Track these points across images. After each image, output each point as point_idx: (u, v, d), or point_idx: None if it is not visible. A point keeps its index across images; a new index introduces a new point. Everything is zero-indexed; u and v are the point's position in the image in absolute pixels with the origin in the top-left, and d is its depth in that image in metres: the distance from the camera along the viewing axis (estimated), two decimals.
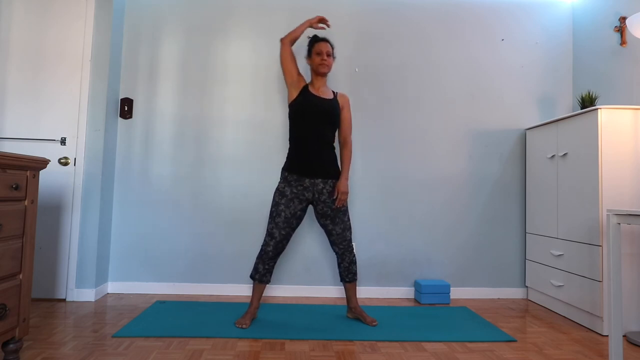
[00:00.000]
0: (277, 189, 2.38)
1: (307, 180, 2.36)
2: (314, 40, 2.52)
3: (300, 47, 3.08)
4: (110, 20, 2.84)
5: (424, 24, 3.21)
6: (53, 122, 2.77)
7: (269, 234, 2.34)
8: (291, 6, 3.14)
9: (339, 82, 3.12)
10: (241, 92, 3.09)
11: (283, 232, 2.33)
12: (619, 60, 2.79)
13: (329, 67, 2.48)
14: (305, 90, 2.45)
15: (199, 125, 3.06)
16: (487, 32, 3.23)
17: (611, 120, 2.37)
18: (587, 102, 2.70)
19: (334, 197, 2.39)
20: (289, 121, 2.48)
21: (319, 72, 2.46)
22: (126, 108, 3.00)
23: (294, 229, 2.38)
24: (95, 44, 2.82)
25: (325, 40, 2.50)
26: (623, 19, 2.75)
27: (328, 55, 2.47)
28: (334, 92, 2.56)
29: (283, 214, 2.33)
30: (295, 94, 2.46)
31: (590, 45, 3.06)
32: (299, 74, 2.50)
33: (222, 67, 3.09)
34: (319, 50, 2.46)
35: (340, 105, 2.54)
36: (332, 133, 2.46)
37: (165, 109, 3.05)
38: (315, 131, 2.38)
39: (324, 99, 2.45)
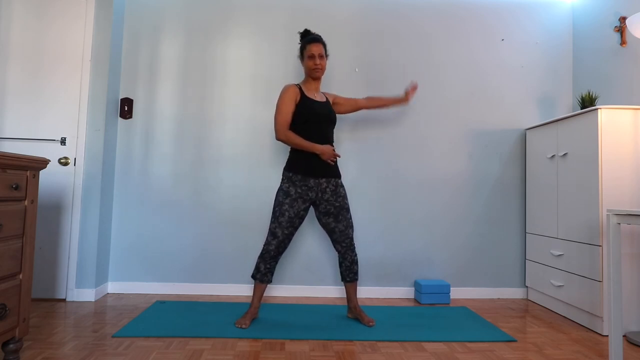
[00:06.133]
0: (281, 189, 2.37)
1: (311, 180, 2.35)
2: (305, 41, 2.43)
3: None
4: (110, 20, 2.84)
5: (424, 23, 3.21)
6: (53, 122, 2.77)
7: (272, 233, 2.34)
8: (291, 6, 3.14)
9: (339, 82, 3.12)
10: (241, 92, 3.09)
11: (286, 232, 2.33)
12: (619, 60, 2.79)
13: (323, 69, 2.41)
14: (303, 98, 2.39)
15: (199, 125, 3.06)
16: (487, 32, 3.23)
17: (611, 120, 2.37)
18: (587, 102, 2.70)
19: (408, 93, 2.66)
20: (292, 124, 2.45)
21: (313, 76, 2.42)
22: (126, 108, 3.00)
23: (296, 229, 2.37)
24: (95, 44, 2.82)
25: (316, 40, 2.39)
26: (623, 19, 2.75)
27: (321, 57, 2.38)
28: (325, 96, 2.56)
29: (287, 213, 2.32)
30: (294, 106, 2.39)
31: (590, 45, 3.06)
32: (292, 111, 2.38)
33: (222, 67, 3.09)
34: (311, 53, 2.37)
35: (332, 101, 2.59)
36: (332, 133, 2.47)
37: (165, 109, 3.05)
38: (318, 134, 2.38)
39: (321, 102, 2.44)
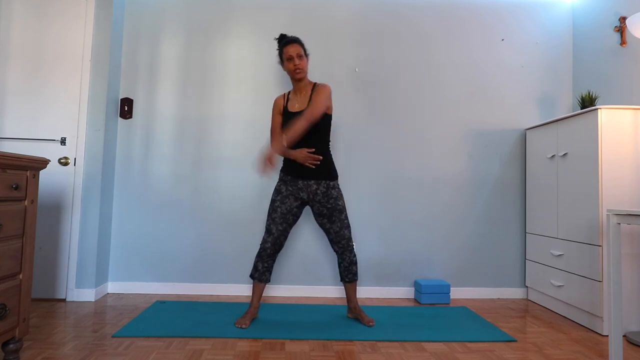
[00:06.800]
0: (275, 187, 2.44)
1: (300, 181, 2.37)
2: (281, 45, 2.41)
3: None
4: (110, 20, 2.84)
5: (424, 24, 3.21)
6: (53, 122, 2.77)
7: (267, 230, 2.37)
8: (291, 6, 3.14)
9: (339, 82, 3.12)
10: (241, 92, 3.09)
11: (280, 228, 2.35)
12: (619, 60, 2.79)
13: (304, 70, 2.37)
14: (284, 110, 2.44)
15: (199, 125, 3.06)
16: (487, 32, 3.23)
17: (611, 120, 2.37)
18: (587, 102, 2.70)
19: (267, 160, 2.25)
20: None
21: (296, 78, 2.40)
22: (126, 108, 3.00)
23: (290, 225, 2.39)
24: (95, 44, 2.82)
25: (293, 41, 2.37)
26: (623, 19, 2.75)
27: (300, 57, 2.36)
28: (312, 89, 2.41)
29: (279, 209, 2.36)
30: (281, 117, 2.48)
31: (590, 45, 3.06)
32: (280, 122, 2.46)
33: (222, 67, 3.09)
34: (289, 55, 2.36)
35: (313, 97, 2.35)
36: (320, 137, 2.38)
37: (165, 109, 3.05)
38: (303, 142, 2.37)
39: (299, 112, 2.37)
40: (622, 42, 2.74)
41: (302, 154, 2.34)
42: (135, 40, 3.06)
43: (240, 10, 3.12)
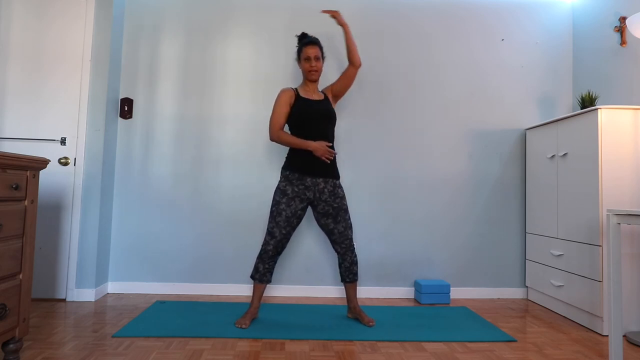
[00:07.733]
0: (278, 187, 2.38)
1: (308, 179, 2.35)
2: (301, 43, 2.46)
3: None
4: (110, 20, 2.84)
5: (424, 24, 3.21)
6: (53, 122, 2.77)
7: (270, 233, 2.34)
8: (291, 6, 3.14)
9: None
10: (241, 92, 3.09)
11: (284, 232, 2.33)
12: (619, 60, 2.79)
13: (319, 72, 2.44)
14: (297, 99, 2.42)
15: (199, 125, 3.06)
16: (487, 32, 3.23)
17: (611, 120, 2.37)
18: (587, 102, 2.70)
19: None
20: (289, 127, 2.47)
21: (310, 79, 2.45)
22: (126, 108, 3.00)
23: (294, 228, 2.37)
24: (95, 44, 2.82)
25: (313, 42, 2.43)
26: (623, 19, 2.75)
27: (317, 59, 2.42)
28: (324, 93, 2.55)
29: (284, 213, 2.32)
30: (289, 108, 2.43)
31: (590, 45, 3.06)
32: (286, 112, 2.42)
33: (222, 67, 3.09)
34: (307, 55, 2.41)
35: (331, 91, 2.58)
36: (331, 132, 2.45)
37: (165, 109, 3.05)
38: (316, 132, 2.38)
39: (317, 100, 2.44)
40: (622, 42, 2.74)
41: (322, 147, 2.32)
42: (135, 40, 3.06)
43: (240, 10, 3.12)
